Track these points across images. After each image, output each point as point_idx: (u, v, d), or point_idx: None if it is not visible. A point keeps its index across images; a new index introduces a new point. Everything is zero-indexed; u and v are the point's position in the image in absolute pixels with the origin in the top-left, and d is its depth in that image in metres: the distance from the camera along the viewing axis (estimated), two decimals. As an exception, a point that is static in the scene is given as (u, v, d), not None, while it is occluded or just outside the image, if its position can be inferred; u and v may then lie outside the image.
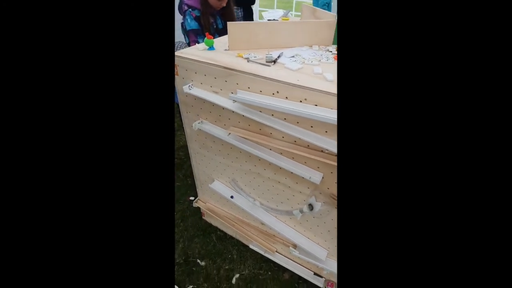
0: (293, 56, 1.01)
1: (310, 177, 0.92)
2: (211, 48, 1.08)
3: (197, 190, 1.55)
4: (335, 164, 0.85)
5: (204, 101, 1.06)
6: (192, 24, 1.43)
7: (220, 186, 1.35)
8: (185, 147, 1.51)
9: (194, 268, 1.42)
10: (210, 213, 1.49)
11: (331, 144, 0.84)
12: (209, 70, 0.98)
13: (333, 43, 1.15)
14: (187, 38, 1.48)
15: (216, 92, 1.02)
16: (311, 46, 1.13)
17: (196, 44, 1.17)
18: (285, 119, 0.90)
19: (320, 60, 0.98)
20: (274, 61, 0.96)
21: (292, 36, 1.11)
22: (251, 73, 0.89)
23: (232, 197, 1.28)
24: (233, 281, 1.37)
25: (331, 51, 1.08)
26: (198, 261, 1.45)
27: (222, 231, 1.59)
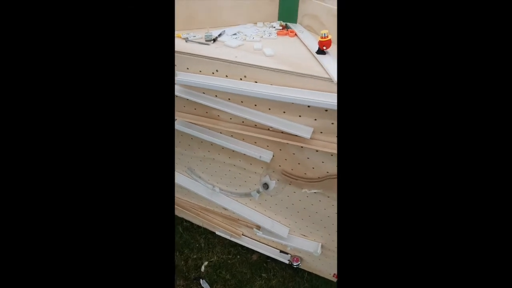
0: (235, 34, 0.97)
1: (260, 156, 0.91)
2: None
3: (157, 183, 1.49)
4: (283, 141, 0.85)
5: (145, 87, 0.99)
6: None
7: (178, 177, 1.30)
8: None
9: (160, 262, 1.39)
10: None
11: (276, 122, 0.83)
12: (146, 52, 0.91)
13: (278, 19, 1.13)
14: None
15: (156, 77, 0.95)
16: (256, 23, 1.09)
17: None
18: (229, 99, 0.87)
19: (262, 36, 0.95)
20: (214, 40, 0.91)
21: (235, 13, 1.06)
22: (188, 53, 0.84)
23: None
24: (202, 269, 1.36)
25: (274, 27, 1.05)
26: (165, 254, 1.42)
27: (188, 221, 1.56)
